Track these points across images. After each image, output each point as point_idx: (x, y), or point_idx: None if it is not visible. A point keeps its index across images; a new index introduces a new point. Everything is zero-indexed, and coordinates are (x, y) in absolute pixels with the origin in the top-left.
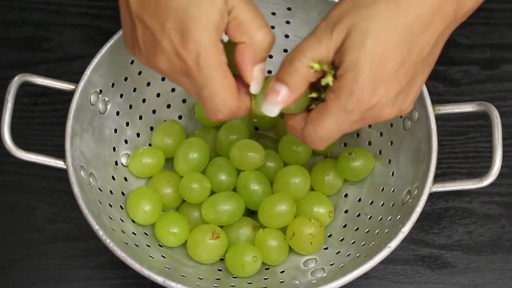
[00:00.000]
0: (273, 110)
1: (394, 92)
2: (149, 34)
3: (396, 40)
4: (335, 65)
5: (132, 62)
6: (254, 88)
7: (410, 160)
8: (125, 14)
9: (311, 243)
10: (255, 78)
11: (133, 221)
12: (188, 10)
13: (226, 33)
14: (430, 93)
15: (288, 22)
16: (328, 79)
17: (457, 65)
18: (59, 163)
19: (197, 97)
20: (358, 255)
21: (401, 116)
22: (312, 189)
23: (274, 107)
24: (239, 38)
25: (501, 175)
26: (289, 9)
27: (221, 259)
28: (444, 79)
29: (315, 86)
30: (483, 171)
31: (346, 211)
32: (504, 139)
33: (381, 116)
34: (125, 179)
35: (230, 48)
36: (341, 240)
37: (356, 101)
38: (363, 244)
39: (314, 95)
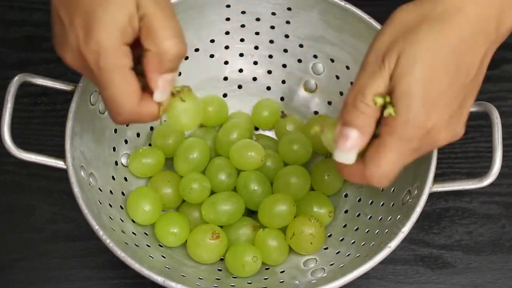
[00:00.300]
0: (348, 157)
1: (447, 115)
2: (61, 28)
3: (442, 62)
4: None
5: None
6: (157, 97)
7: None
8: (52, 11)
9: (311, 243)
10: (159, 87)
11: (133, 221)
12: (96, 10)
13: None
14: None
15: (288, 22)
16: (390, 110)
17: None
18: (59, 163)
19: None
20: (358, 255)
21: None
22: (312, 189)
23: (348, 153)
24: (147, 45)
25: (501, 175)
26: (289, 9)
27: (221, 259)
28: None
29: None
30: (483, 171)
31: (346, 211)
32: (504, 139)
33: (438, 141)
34: (125, 179)
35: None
36: (341, 240)
37: (412, 128)
38: (363, 244)
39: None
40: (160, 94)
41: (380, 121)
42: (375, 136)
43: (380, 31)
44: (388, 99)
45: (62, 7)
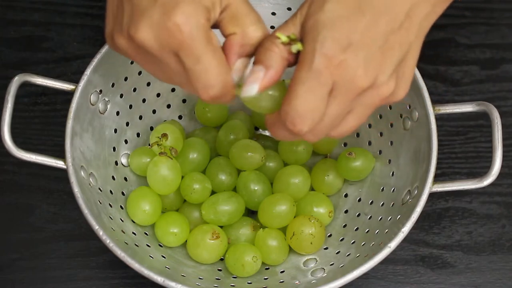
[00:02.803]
0: (252, 88)
1: (362, 54)
2: (137, 9)
3: (357, 3)
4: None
5: (132, 62)
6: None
7: (410, 160)
8: None
9: (311, 243)
10: (235, 69)
11: (133, 221)
12: None
13: (217, 28)
14: (430, 93)
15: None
16: (298, 45)
17: (457, 65)
18: (59, 163)
19: (184, 78)
20: (358, 255)
21: (401, 116)
22: (312, 189)
23: (253, 85)
24: (230, 29)
25: (501, 175)
26: (289, 9)
27: (221, 259)
28: (444, 79)
29: None
30: (483, 171)
31: (346, 211)
32: (504, 139)
33: (355, 80)
34: (125, 179)
35: None
36: (341, 240)
37: (321, 58)
38: (363, 244)
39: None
40: (235, 75)
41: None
42: None
43: None
44: (293, 36)
45: None
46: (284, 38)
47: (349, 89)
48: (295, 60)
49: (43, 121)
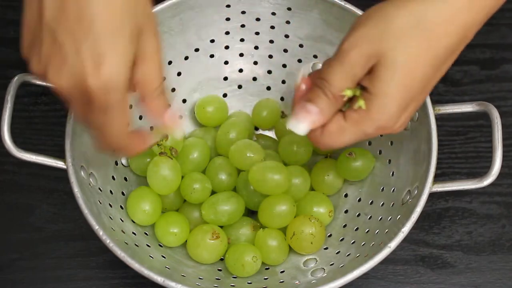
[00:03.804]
0: (300, 128)
1: (411, 113)
2: (58, 50)
3: (424, 71)
4: (362, 86)
5: None
6: (177, 134)
7: (410, 160)
8: (32, 18)
9: (311, 243)
10: (171, 126)
11: (133, 221)
12: (107, 42)
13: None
14: (430, 93)
15: (288, 22)
16: (361, 103)
17: (457, 65)
18: (59, 163)
19: (85, 122)
20: (358, 255)
21: None
22: (312, 189)
23: (302, 125)
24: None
25: (501, 175)
26: (289, 9)
27: (221, 259)
28: (444, 79)
29: None
30: (483, 171)
31: (346, 211)
32: (504, 139)
33: (393, 132)
34: (125, 179)
35: None
36: (341, 240)
37: (377, 128)
38: (363, 244)
39: None
40: (174, 131)
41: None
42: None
43: (366, 21)
44: (358, 93)
45: (62, 29)
46: (349, 94)
47: (384, 134)
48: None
49: (43, 121)
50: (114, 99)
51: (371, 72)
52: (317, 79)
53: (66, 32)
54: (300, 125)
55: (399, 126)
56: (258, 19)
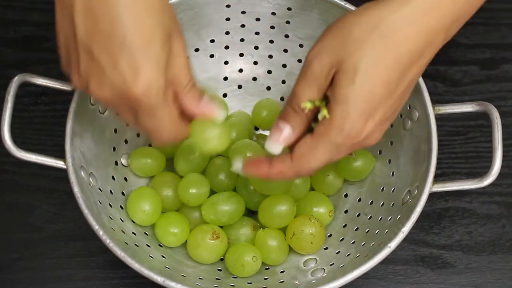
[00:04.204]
0: (277, 147)
1: (381, 121)
2: (95, 65)
3: (385, 76)
4: (326, 97)
5: None
6: (219, 116)
7: (410, 160)
8: (67, 38)
9: (311, 243)
10: (209, 112)
11: (133, 221)
12: (141, 51)
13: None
14: (430, 93)
15: (288, 22)
16: (324, 112)
17: (457, 65)
18: (59, 163)
19: (137, 125)
20: (358, 255)
21: (401, 116)
22: (312, 189)
23: (278, 144)
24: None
25: (501, 175)
26: (289, 9)
27: (221, 259)
28: (444, 79)
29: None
30: (483, 171)
31: (346, 211)
32: (504, 139)
33: (368, 143)
34: (125, 179)
35: None
36: (341, 240)
37: (345, 137)
38: (363, 244)
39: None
40: (217, 113)
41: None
42: (309, 130)
43: (328, 32)
44: (318, 103)
45: (97, 46)
46: (309, 106)
47: (361, 147)
48: (313, 117)
49: (43, 121)
50: (157, 101)
51: (332, 81)
52: (288, 98)
53: (101, 48)
54: (275, 145)
55: (367, 134)
56: (258, 19)
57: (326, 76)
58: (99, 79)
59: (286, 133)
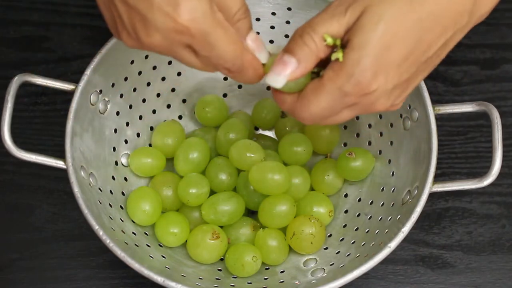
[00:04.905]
0: (278, 80)
1: (392, 84)
2: (136, 15)
3: (405, 31)
4: (342, 43)
5: (132, 62)
6: (261, 57)
7: (410, 160)
8: (104, 1)
9: (311, 243)
10: (255, 49)
11: (133, 221)
12: None
13: None
14: (430, 93)
15: (288, 22)
16: (339, 55)
17: (457, 65)
18: (59, 163)
19: (202, 65)
20: (358, 255)
21: (401, 116)
22: (312, 189)
23: (280, 77)
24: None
25: (501, 175)
26: (289, 9)
27: (221, 259)
28: (444, 79)
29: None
30: (483, 171)
31: (346, 211)
32: (504, 139)
33: (374, 106)
34: (125, 179)
35: None
36: (341, 240)
37: (354, 84)
38: (363, 244)
39: (314, 69)
40: (260, 54)
41: (325, 64)
42: (316, 75)
43: None
44: (338, 42)
45: None
46: (330, 41)
47: (366, 109)
48: (326, 59)
49: (43, 121)
50: (208, 25)
51: (353, 24)
52: (297, 29)
53: None
54: (277, 78)
55: (376, 91)
56: (258, 19)
57: (349, 14)
58: (144, 27)
59: (291, 66)
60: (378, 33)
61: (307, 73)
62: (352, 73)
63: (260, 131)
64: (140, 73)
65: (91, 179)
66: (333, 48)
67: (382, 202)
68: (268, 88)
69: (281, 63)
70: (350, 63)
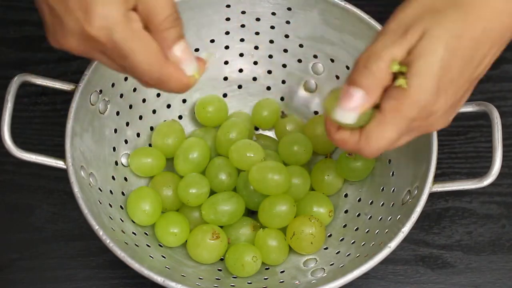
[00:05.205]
0: (349, 116)
1: (451, 103)
2: (55, 15)
3: (463, 50)
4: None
5: None
6: (188, 69)
7: (410, 160)
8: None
9: (311, 243)
10: (180, 60)
11: (133, 221)
12: None
13: None
14: None
15: (288, 22)
16: (402, 81)
17: None
18: (59, 163)
19: (120, 70)
20: (358, 255)
21: None
22: (312, 189)
23: (350, 113)
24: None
25: (501, 175)
26: (289, 9)
27: (221, 259)
28: None
29: None
30: (483, 171)
31: (346, 211)
32: (504, 139)
33: (432, 127)
34: (125, 179)
35: None
36: (341, 240)
37: (420, 110)
38: (363, 244)
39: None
40: (187, 66)
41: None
42: (375, 107)
43: (407, 2)
44: (404, 69)
45: None
46: (397, 68)
47: (425, 131)
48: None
49: (43, 121)
50: (122, 36)
51: (414, 48)
52: (360, 58)
53: None
54: (347, 114)
55: (438, 112)
56: (258, 19)
57: (409, 37)
58: (61, 28)
59: (358, 98)
60: (438, 57)
61: (373, 104)
62: (417, 100)
63: (260, 131)
64: None
65: (91, 179)
66: (395, 76)
67: (382, 202)
68: (268, 88)
69: (348, 96)
70: (414, 90)
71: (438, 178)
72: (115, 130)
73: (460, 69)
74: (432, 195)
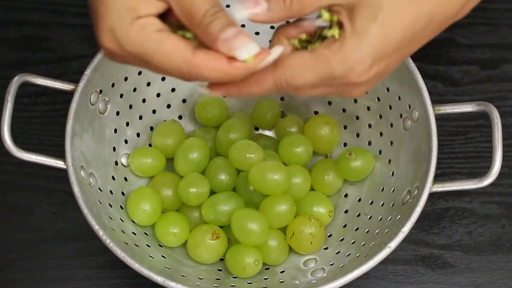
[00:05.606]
0: (240, 13)
1: (379, 75)
2: (96, 14)
3: (403, 26)
4: (340, 22)
5: None
6: (241, 54)
7: (410, 160)
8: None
9: (311, 243)
10: (230, 48)
11: (133, 221)
12: (98, 7)
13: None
14: (430, 93)
15: (288, 22)
16: (335, 32)
17: (457, 65)
18: (59, 163)
19: (158, 73)
20: (358, 255)
21: (401, 116)
22: (312, 189)
23: (243, 11)
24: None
25: (501, 175)
26: None
27: (221, 259)
28: (444, 79)
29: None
30: (483, 171)
31: (346, 211)
32: (504, 139)
33: (353, 92)
34: (125, 179)
35: None
36: (341, 240)
37: (347, 70)
38: (363, 244)
39: (304, 37)
40: (236, 52)
41: (311, 39)
42: (305, 47)
43: None
44: (335, 18)
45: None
46: (326, 17)
47: (341, 93)
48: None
49: (43, 121)
50: (132, 45)
51: (352, 9)
52: None
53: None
54: (240, 11)
55: (364, 81)
56: None
57: None
58: (96, 36)
59: (260, 8)
60: (378, 23)
61: (268, 22)
62: (349, 57)
63: (260, 131)
64: (140, 73)
65: (91, 179)
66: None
67: (382, 202)
68: None
69: (253, 0)
70: (350, 47)
71: (438, 178)
72: (115, 130)
73: (396, 45)
74: (432, 195)
